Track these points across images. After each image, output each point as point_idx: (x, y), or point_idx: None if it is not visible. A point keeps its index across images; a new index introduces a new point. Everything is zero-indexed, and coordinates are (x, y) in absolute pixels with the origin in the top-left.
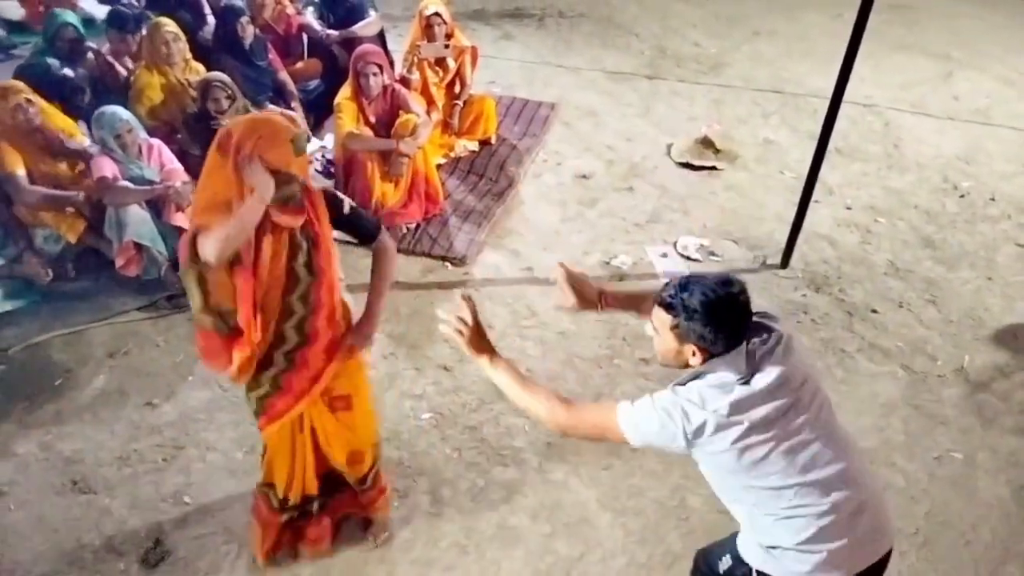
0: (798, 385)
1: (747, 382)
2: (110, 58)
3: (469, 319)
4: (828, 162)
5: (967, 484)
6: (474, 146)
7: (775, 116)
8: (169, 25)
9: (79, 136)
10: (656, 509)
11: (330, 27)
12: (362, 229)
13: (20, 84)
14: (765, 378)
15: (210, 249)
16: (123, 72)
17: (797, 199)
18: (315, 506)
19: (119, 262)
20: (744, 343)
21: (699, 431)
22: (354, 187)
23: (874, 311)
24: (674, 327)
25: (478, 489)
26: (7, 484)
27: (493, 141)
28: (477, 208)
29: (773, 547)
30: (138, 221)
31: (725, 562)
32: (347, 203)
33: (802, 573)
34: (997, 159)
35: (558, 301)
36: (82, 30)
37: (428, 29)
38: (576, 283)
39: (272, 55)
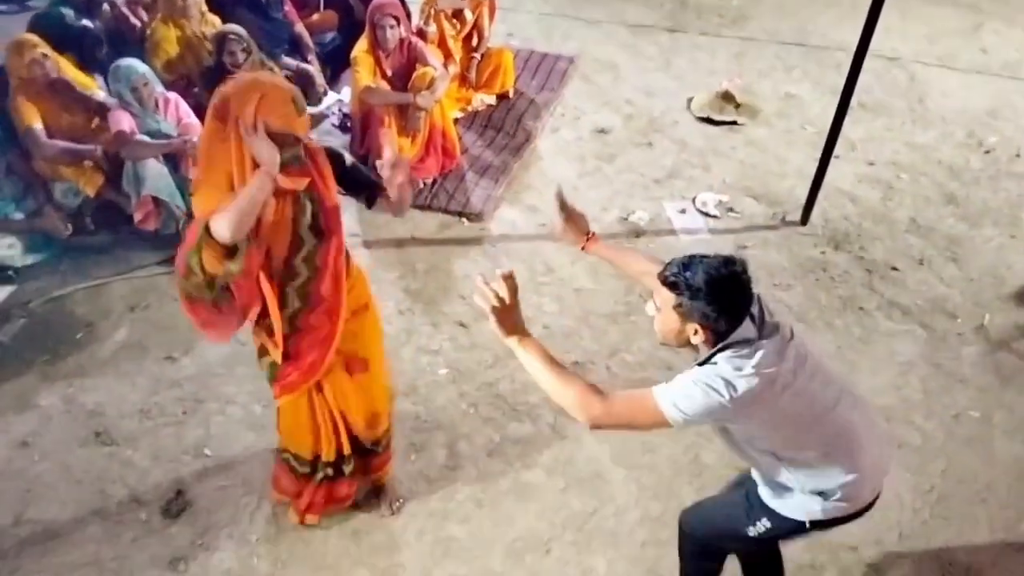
0: (792, 337)
1: (762, 342)
2: (125, 9)
3: (507, 297)
4: (851, 117)
5: (984, 443)
6: (491, 100)
7: (797, 70)
8: None
9: (95, 89)
10: (669, 465)
11: None
12: (363, 183)
13: (35, 38)
14: (774, 334)
15: (223, 231)
16: (138, 24)
17: (818, 155)
18: (350, 468)
19: (137, 216)
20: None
21: (746, 395)
22: (371, 141)
23: (894, 269)
24: (677, 306)
25: (494, 444)
26: (31, 436)
27: (511, 95)
28: (494, 163)
29: (819, 492)
30: (156, 175)
31: (760, 526)
32: (347, 158)
33: (844, 508)
34: None
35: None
36: None
37: None
38: (569, 213)
39: (288, 7)
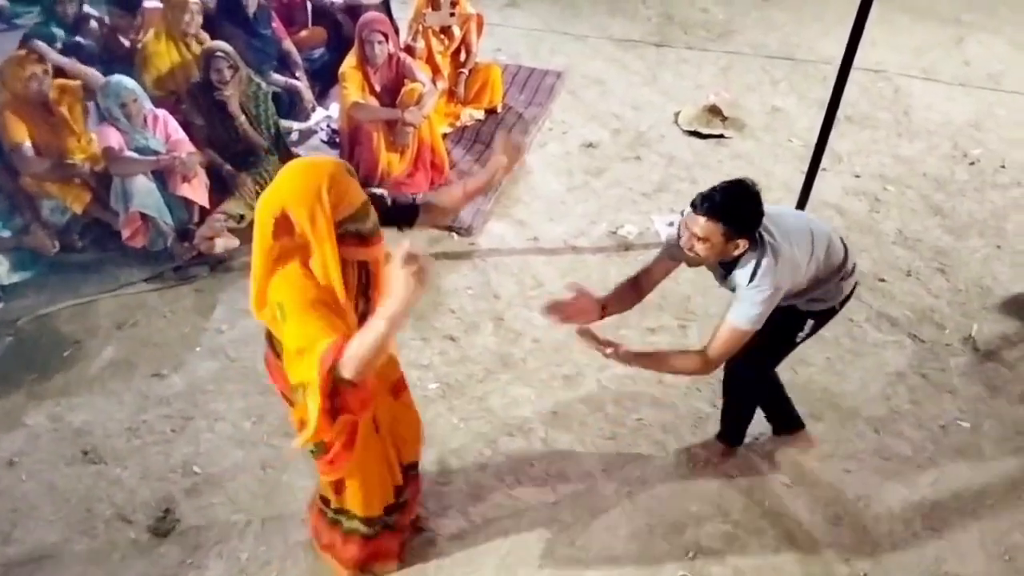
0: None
1: (775, 238)
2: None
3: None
4: (837, 130)
5: (974, 453)
6: (480, 115)
7: (784, 83)
8: None
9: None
10: (661, 478)
11: None
12: (405, 211)
13: (33, 55)
14: (771, 229)
15: (352, 372)
16: (125, 42)
17: (805, 167)
18: (393, 518)
19: (125, 233)
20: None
21: (785, 281)
22: (359, 157)
23: (882, 280)
24: (724, 232)
25: (485, 458)
26: (18, 455)
27: (499, 110)
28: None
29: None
30: (144, 192)
31: (807, 327)
32: (387, 197)
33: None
34: (1008, 126)
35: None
36: None
37: None
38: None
39: (276, 24)
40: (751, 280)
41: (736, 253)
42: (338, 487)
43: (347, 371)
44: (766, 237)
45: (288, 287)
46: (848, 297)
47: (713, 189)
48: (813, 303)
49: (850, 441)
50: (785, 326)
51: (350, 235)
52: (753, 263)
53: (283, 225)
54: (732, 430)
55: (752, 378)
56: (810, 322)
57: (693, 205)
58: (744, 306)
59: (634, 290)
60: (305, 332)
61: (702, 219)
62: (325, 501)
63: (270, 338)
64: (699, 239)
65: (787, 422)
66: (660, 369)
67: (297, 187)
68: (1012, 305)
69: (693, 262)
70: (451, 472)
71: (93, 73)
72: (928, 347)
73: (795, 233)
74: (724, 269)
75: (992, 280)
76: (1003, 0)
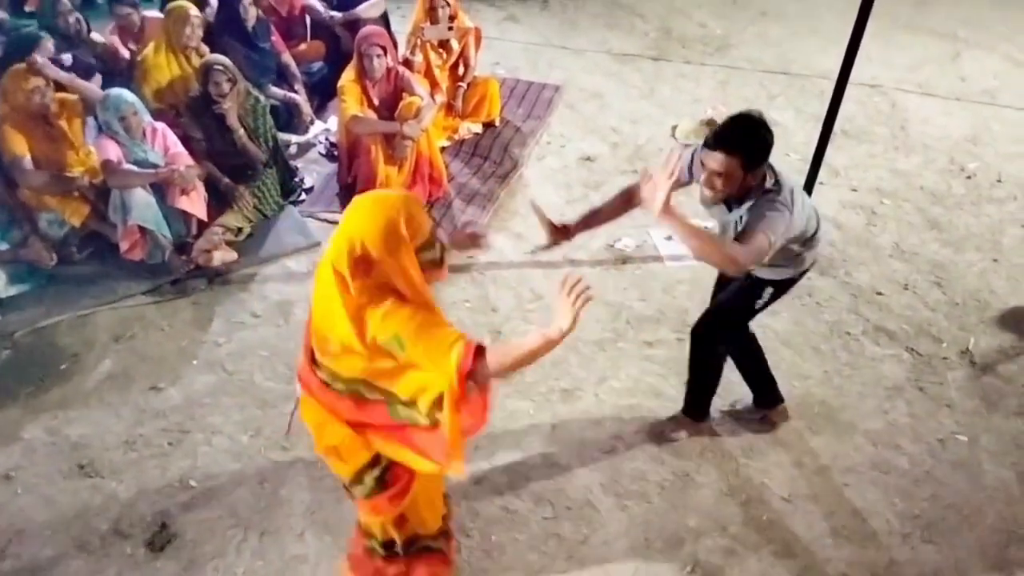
0: None
1: (776, 170)
2: (113, 38)
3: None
4: (834, 144)
5: (972, 467)
6: (478, 128)
7: (781, 98)
8: (193, 9)
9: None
10: (658, 493)
11: (333, 9)
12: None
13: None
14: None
15: (495, 367)
16: (125, 54)
17: (802, 181)
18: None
19: (123, 246)
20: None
21: (793, 205)
22: (358, 170)
23: (879, 293)
24: (742, 164)
25: (482, 473)
26: (14, 469)
27: (497, 123)
28: (481, 191)
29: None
30: (142, 205)
31: (765, 295)
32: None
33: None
34: (1004, 140)
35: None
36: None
37: (432, 11)
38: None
39: (275, 37)
40: (768, 206)
41: (753, 184)
42: (400, 520)
43: (491, 363)
44: (776, 170)
45: (397, 320)
46: (807, 269)
47: (725, 126)
48: (776, 269)
49: (848, 455)
50: (745, 293)
51: (424, 263)
52: (768, 195)
53: (362, 265)
54: (697, 403)
55: (714, 345)
56: (769, 290)
57: (707, 144)
58: (765, 226)
59: (601, 214)
60: (434, 344)
61: (719, 155)
62: (387, 545)
63: (330, 382)
64: (718, 175)
65: (769, 395)
66: (697, 242)
67: (378, 223)
68: (1009, 319)
69: (712, 200)
70: (448, 486)
71: (92, 88)
72: (925, 360)
73: (795, 184)
74: (734, 204)
75: (989, 293)
76: (998, 17)
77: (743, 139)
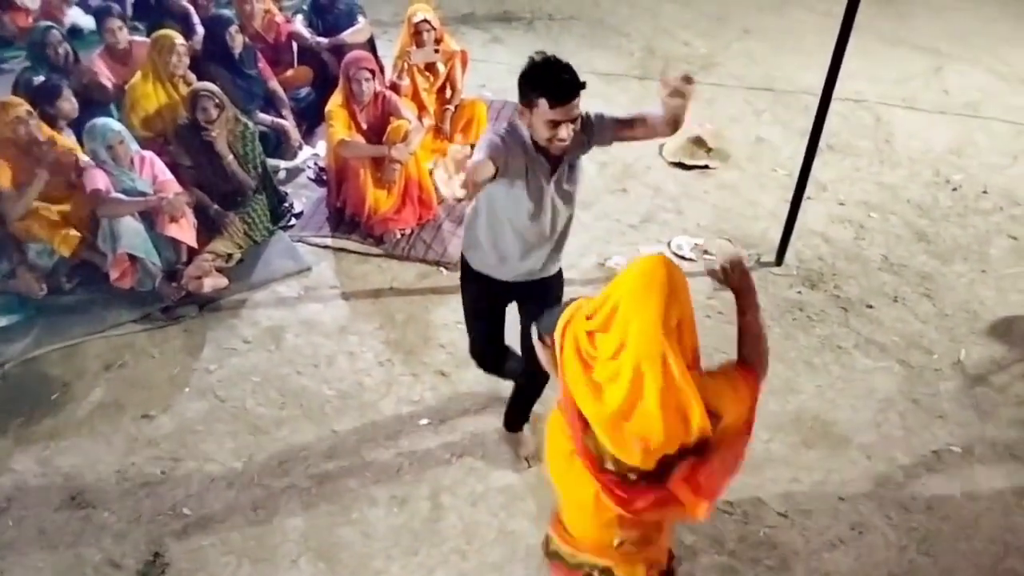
0: None
1: None
2: (98, 63)
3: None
4: (820, 158)
5: (966, 478)
6: (467, 151)
7: (767, 114)
8: (179, 38)
9: (72, 148)
10: None
11: (319, 35)
12: None
13: (18, 99)
14: None
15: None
16: (109, 84)
17: (790, 196)
18: None
19: (113, 275)
20: None
21: None
22: (347, 194)
23: (869, 306)
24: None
25: (478, 494)
26: (5, 501)
27: None
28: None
29: None
30: (132, 233)
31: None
32: None
33: None
34: (988, 152)
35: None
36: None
37: (417, 36)
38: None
39: (262, 64)
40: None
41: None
42: None
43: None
44: None
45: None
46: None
47: (548, 72)
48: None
49: (843, 469)
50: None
51: None
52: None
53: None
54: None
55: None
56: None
57: (556, 99)
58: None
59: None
60: (732, 386)
61: (575, 99)
62: None
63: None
64: (573, 121)
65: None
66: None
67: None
68: (999, 329)
69: (565, 151)
70: (444, 508)
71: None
72: (917, 372)
73: None
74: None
75: (978, 304)
76: (978, 30)
77: (573, 74)
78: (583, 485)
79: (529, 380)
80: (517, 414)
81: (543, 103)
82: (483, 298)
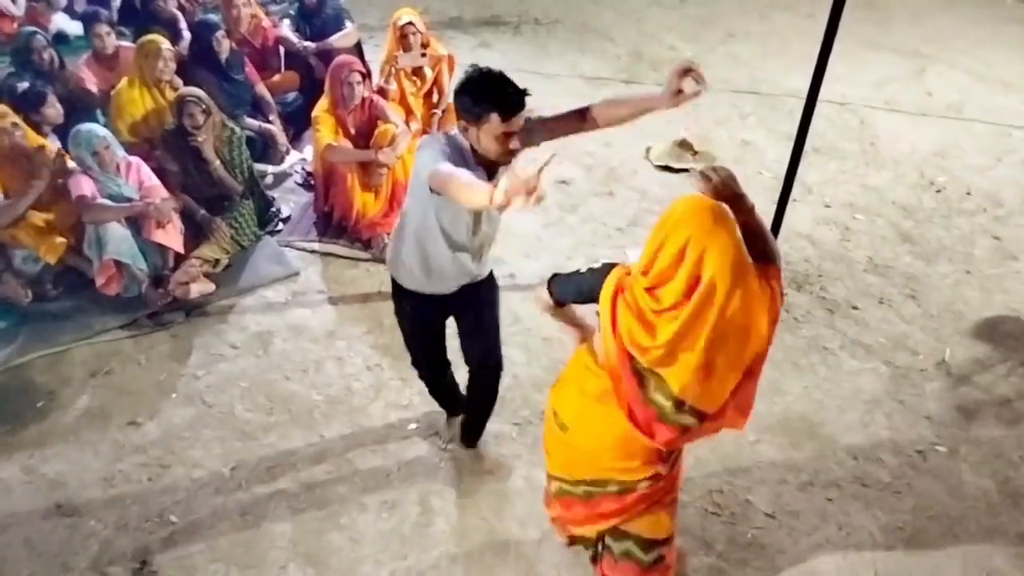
0: None
1: None
2: (84, 69)
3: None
4: (805, 161)
5: (952, 478)
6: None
7: (752, 117)
8: (165, 43)
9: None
10: None
11: (306, 39)
12: None
13: (4, 108)
14: None
15: None
16: (94, 90)
17: (776, 199)
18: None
19: (99, 280)
20: None
21: None
22: (334, 198)
23: (855, 308)
24: None
25: (467, 498)
26: None
27: None
28: None
29: None
30: (118, 239)
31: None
32: None
33: None
34: (971, 153)
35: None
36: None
37: (403, 39)
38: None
39: (249, 69)
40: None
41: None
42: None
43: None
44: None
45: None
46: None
47: (495, 86)
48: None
49: (830, 469)
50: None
51: None
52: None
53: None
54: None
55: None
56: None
57: (506, 110)
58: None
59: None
60: (770, 285)
61: (522, 111)
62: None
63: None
64: (522, 129)
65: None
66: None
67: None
68: (983, 329)
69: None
70: (433, 513)
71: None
72: (903, 373)
73: None
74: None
75: (963, 305)
76: (958, 32)
77: (515, 84)
78: (609, 425)
79: (479, 396)
80: (470, 423)
81: (494, 117)
82: (417, 317)
